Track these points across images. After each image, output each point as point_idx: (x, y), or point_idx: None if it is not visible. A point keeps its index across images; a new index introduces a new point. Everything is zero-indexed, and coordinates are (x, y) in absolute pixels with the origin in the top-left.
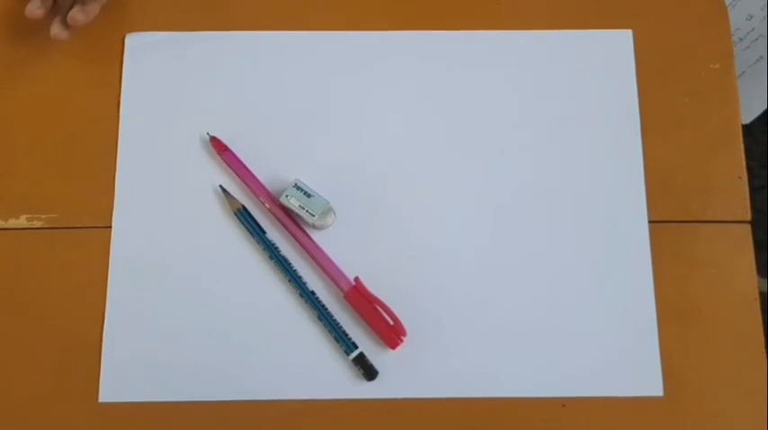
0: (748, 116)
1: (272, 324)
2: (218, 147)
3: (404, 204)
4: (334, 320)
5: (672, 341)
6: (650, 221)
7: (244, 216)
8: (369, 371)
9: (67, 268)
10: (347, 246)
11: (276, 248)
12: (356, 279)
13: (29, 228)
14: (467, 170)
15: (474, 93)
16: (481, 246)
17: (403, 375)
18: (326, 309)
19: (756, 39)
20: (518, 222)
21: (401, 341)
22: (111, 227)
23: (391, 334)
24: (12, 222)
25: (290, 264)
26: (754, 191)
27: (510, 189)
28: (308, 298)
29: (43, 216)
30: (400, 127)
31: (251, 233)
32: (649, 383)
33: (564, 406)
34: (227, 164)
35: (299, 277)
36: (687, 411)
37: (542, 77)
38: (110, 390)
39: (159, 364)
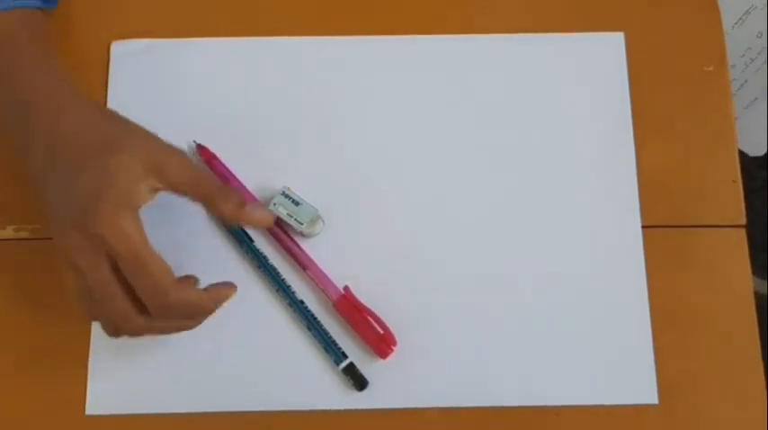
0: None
1: (260, 334)
2: (205, 155)
3: (393, 212)
4: (324, 330)
5: (667, 348)
6: (643, 226)
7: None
8: (359, 381)
9: (54, 279)
10: (336, 253)
11: (264, 257)
12: (345, 288)
13: (15, 239)
14: (456, 176)
15: (464, 97)
16: (471, 253)
17: (393, 385)
18: (316, 318)
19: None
20: (509, 228)
21: (391, 350)
22: None
23: (381, 343)
24: None
25: (278, 273)
26: (751, 192)
27: (500, 194)
28: (297, 307)
29: (29, 226)
30: (390, 133)
31: (238, 242)
32: (644, 391)
33: (557, 414)
34: (214, 172)
35: (288, 286)
36: (682, 419)
37: (533, 81)
38: (96, 403)
39: (146, 376)
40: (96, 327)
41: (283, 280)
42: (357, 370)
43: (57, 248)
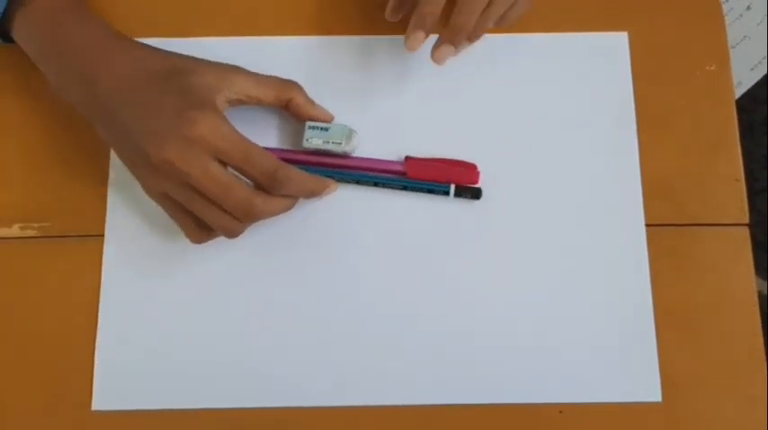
0: None
1: (268, 330)
2: None
3: (393, 212)
4: (420, 181)
5: (670, 346)
6: (647, 225)
7: None
8: (474, 193)
9: (61, 277)
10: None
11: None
12: (406, 157)
13: (22, 238)
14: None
15: (467, 96)
16: (474, 252)
17: (397, 382)
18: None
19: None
20: (511, 225)
21: (478, 173)
22: (103, 235)
23: (467, 175)
24: (4, 231)
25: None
26: (755, 193)
27: (503, 192)
28: (385, 180)
29: (36, 225)
30: (390, 132)
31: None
32: (647, 389)
33: (561, 412)
34: None
35: (363, 172)
36: (685, 417)
37: (537, 81)
38: (103, 398)
39: (153, 371)
40: (102, 327)
41: (357, 173)
42: (465, 186)
43: (155, 171)
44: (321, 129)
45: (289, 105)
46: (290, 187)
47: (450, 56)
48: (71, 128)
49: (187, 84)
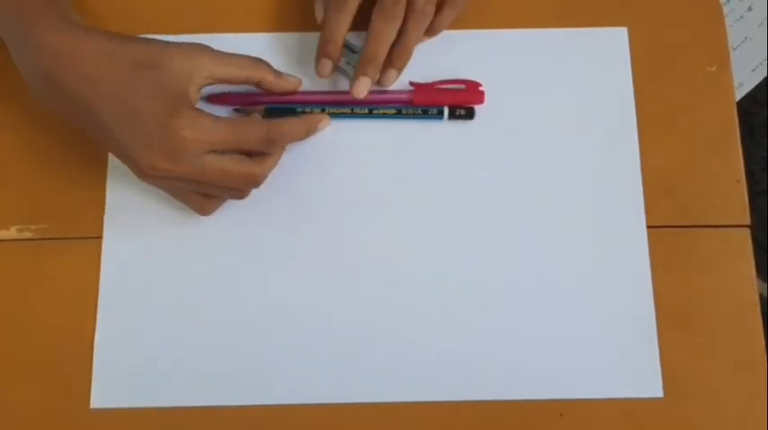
0: None
1: (267, 327)
2: (221, 101)
3: (397, 207)
4: (413, 108)
5: (671, 346)
6: (648, 226)
7: (272, 111)
8: (467, 113)
9: (59, 279)
10: (338, 248)
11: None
12: (411, 83)
13: (19, 240)
14: (458, 172)
15: None
16: (476, 247)
17: (397, 378)
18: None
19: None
20: (513, 226)
21: (482, 92)
22: (101, 237)
23: (472, 95)
24: (2, 233)
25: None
26: (755, 195)
27: (504, 191)
28: (378, 107)
29: (33, 227)
30: (390, 127)
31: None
32: (649, 385)
33: (565, 407)
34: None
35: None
36: (686, 417)
37: (536, 77)
38: (102, 396)
39: (151, 370)
40: (100, 327)
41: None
42: (458, 107)
43: (149, 177)
44: (349, 48)
45: (260, 84)
46: (285, 140)
47: (367, 88)
48: (69, 129)
49: (158, 80)
